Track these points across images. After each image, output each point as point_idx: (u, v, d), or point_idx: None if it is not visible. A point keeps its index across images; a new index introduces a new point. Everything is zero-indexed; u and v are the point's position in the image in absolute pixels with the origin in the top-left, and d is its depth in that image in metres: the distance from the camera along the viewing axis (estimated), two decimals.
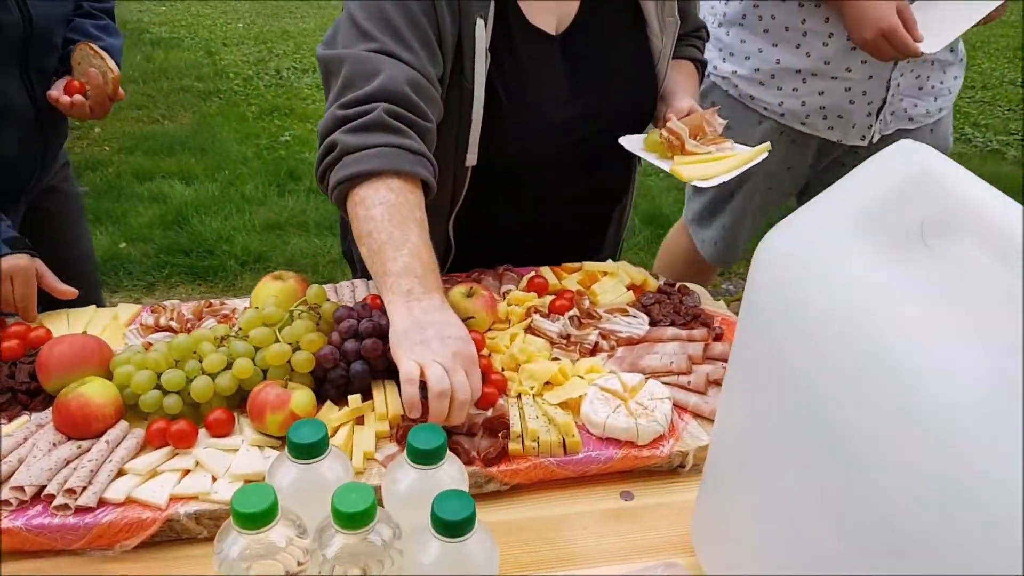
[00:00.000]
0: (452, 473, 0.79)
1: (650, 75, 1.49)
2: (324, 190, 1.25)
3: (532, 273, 1.44)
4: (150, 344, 1.22)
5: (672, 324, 1.33)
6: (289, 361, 1.13)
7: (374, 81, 1.18)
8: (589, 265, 1.45)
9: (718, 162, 1.38)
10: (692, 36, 1.64)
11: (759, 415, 0.80)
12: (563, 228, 1.55)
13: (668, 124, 1.39)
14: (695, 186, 1.36)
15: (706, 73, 1.89)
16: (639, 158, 1.51)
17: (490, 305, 1.29)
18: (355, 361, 1.15)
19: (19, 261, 1.24)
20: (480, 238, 1.49)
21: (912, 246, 0.67)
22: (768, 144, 1.41)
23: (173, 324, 1.26)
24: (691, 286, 1.46)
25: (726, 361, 1.25)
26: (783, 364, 0.74)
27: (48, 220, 1.70)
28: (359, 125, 1.17)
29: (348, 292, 1.39)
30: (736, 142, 1.44)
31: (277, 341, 1.15)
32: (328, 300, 1.24)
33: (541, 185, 1.47)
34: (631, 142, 1.42)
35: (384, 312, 1.19)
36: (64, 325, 1.29)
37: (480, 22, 1.26)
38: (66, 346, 1.11)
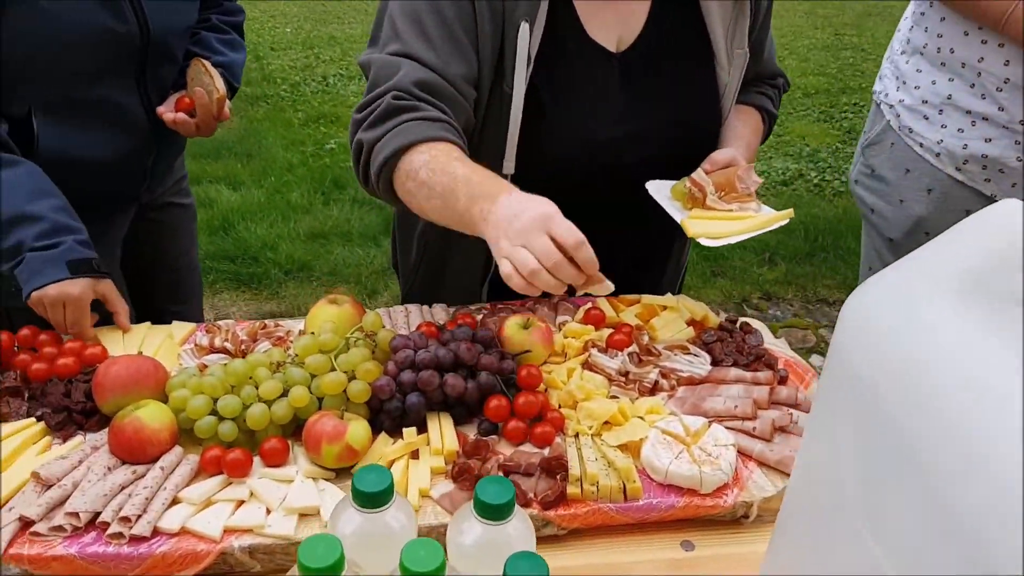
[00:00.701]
0: (520, 528, 0.76)
1: (713, 109, 1.42)
2: (374, 192, 1.27)
3: (588, 304, 1.41)
4: (205, 366, 1.21)
5: (735, 364, 1.29)
6: (345, 390, 1.11)
7: (388, 82, 1.23)
8: (648, 298, 1.42)
9: (733, 222, 1.31)
10: (766, 83, 1.57)
11: (844, 470, 0.76)
12: (613, 257, 1.49)
13: (693, 175, 1.33)
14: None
15: (876, 100, 1.81)
16: None
17: (547, 338, 1.26)
18: (411, 392, 1.13)
19: (72, 288, 1.24)
20: None
21: (1019, 313, 0.63)
22: (791, 211, 1.32)
23: (228, 346, 1.25)
24: (753, 323, 1.42)
25: (793, 407, 1.21)
26: (876, 423, 0.70)
27: (159, 230, 1.74)
28: (372, 120, 1.22)
29: (402, 318, 1.37)
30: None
31: (333, 369, 1.14)
32: (384, 327, 1.22)
33: (584, 206, 1.40)
34: (657, 188, 1.36)
35: (441, 343, 1.18)
36: (119, 342, 1.29)
37: (524, 27, 1.24)
38: (122, 367, 1.10)
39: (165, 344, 1.27)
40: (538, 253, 1.02)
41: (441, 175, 1.15)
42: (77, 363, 1.17)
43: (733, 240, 1.27)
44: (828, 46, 7.42)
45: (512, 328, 1.25)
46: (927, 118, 1.71)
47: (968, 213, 1.73)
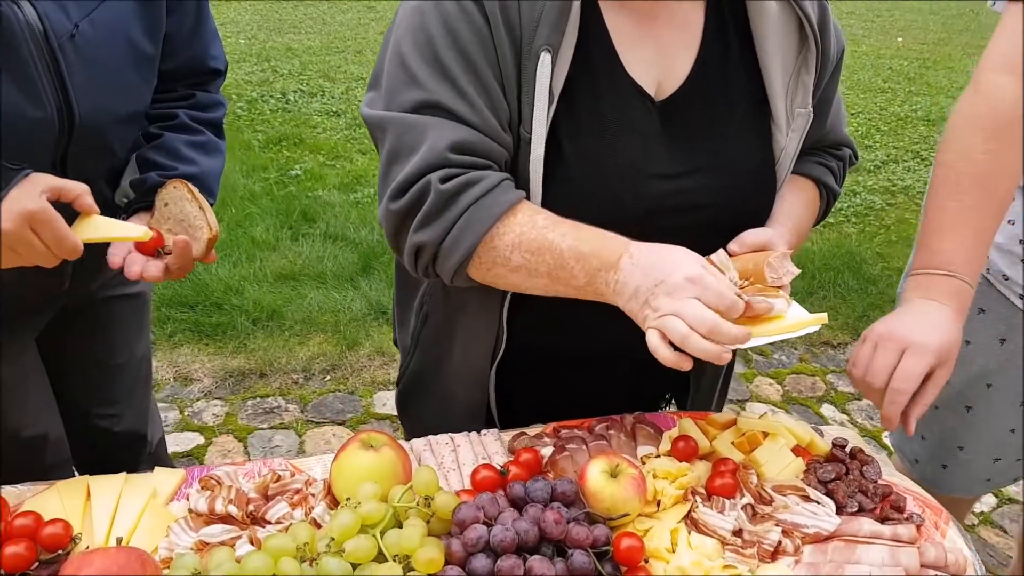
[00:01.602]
0: None
1: (767, 176, 1.17)
2: (436, 279, 1.09)
3: (675, 430, 1.16)
4: (204, 546, 0.92)
5: (860, 509, 1.05)
6: None
7: (417, 154, 1.01)
8: (745, 421, 1.17)
9: (760, 322, 1.04)
10: (829, 152, 1.31)
11: None
12: (636, 341, 1.24)
13: (712, 256, 1.07)
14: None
15: None
16: None
17: (641, 488, 1.00)
18: None
19: (28, 203, 1.02)
20: (540, 333, 1.20)
21: None
22: (824, 316, 1.07)
23: (233, 511, 0.96)
24: (856, 440, 1.19)
25: (943, 571, 0.98)
26: None
27: (90, 328, 1.41)
28: (427, 215, 1.01)
29: (448, 453, 1.10)
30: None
31: (380, 554, 0.86)
32: (441, 488, 0.95)
33: None
34: None
35: (512, 503, 0.92)
36: (80, 504, 0.98)
37: (545, 57, 1.00)
38: (97, 569, 0.81)
39: (150, 509, 0.97)
40: (690, 320, 0.93)
41: (541, 254, 1.01)
42: (31, 550, 0.88)
43: (755, 343, 1.01)
44: None
45: (599, 479, 0.98)
46: None
47: None
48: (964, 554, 1.00)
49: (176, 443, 2.52)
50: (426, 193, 1.00)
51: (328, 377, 2.86)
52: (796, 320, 1.06)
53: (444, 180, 0.99)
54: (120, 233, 1.16)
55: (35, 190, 1.03)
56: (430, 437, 1.14)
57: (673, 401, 1.46)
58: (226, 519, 0.96)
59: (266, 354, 2.90)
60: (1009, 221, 1.37)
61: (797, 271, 1.12)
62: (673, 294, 0.94)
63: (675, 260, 0.97)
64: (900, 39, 9.01)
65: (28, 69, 1.06)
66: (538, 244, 1.00)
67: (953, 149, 1.18)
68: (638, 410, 1.21)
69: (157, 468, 1.05)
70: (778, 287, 1.08)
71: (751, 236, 1.12)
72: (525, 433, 1.15)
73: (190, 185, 1.20)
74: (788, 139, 1.15)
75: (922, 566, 0.98)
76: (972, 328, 1.41)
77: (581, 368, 1.05)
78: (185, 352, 2.90)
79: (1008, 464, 1.53)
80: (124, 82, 1.21)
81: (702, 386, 1.38)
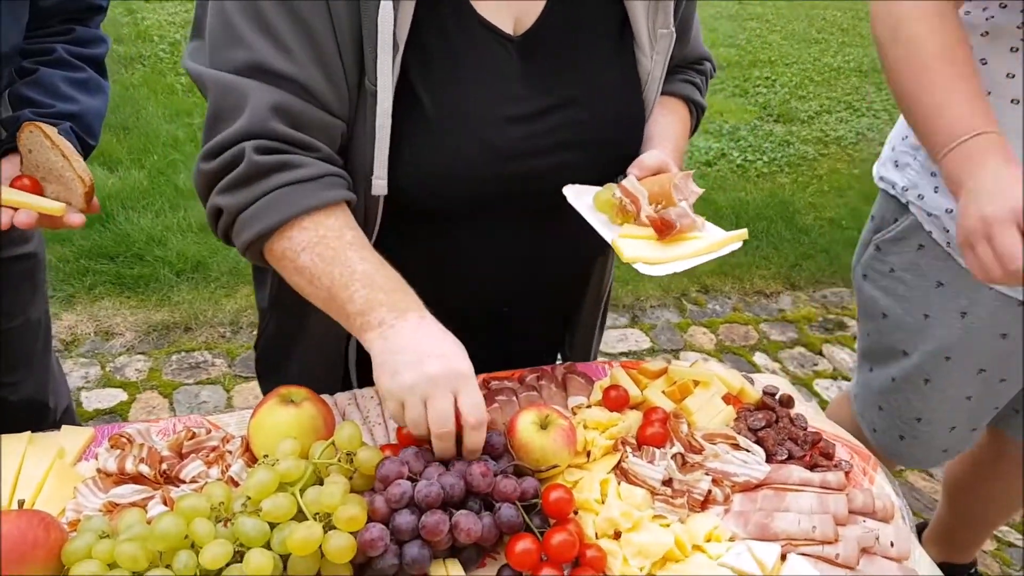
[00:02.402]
0: None
1: (635, 102, 1.15)
2: (228, 243, 1.02)
3: (606, 379, 1.15)
4: (114, 506, 0.87)
5: (790, 457, 1.06)
6: (320, 547, 0.80)
7: (237, 119, 0.94)
8: (676, 369, 1.16)
9: (677, 243, 1.05)
10: (691, 68, 1.30)
11: None
12: (519, 291, 1.22)
13: (624, 182, 1.07)
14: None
15: (895, 195, 1.45)
16: None
17: (571, 439, 0.98)
18: (411, 542, 0.84)
19: None
20: (413, 284, 1.16)
21: None
22: (744, 232, 1.07)
23: (145, 469, 0.91)
24: (776, 384, 1.19)
25: (868, 515, 1.00)
26: None
27: None
28: (233, 181, 0.96)
29: (374, 408, 1.06)
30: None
31: (300, 512, 0.83)
32: (364, 444, 0.91)
33: (481, 230, 1.12)
34: (578, 195, 1.09)
35: (448, 467, 0.89)
36: None
37: (386, 4, 0.93)
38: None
39: (56, 471, 0.91)
40: (434, 416, 0.88)
41: (332, 264, 0.95)
42: None
43: (679, 267, 1.01)
44: (733, 15, 7.33)
45: (529, 431, 0.96)
46: None
47: (1004, 336, 1.38)
48: (891, 500, 1.01)
49: (98, 400, 2.42)
50: (238, 160, 0.94)
51: (256, 331, 2.77)
52: (719, 238, 1.05)
53: (260, 151, 0.94)
54: (32, 202, 1.09)
55: None
56: (355, 390, 1.10)
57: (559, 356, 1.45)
58: (137, 479, 0.91)
59: (191, 307, 2.80)
60: None
61: (701, 191, 1.12)
62: (435, 382, 0.88)
63: (451, 350, 0.92)
64: None
65: None
66: (333, 254, 0.94)
67: (902, 40, 1.18)
68: (527, 366, 1.19)
69: (64, 427, 0.99)
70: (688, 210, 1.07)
71: (649, 159, 1.10)
72: None
73: (46, 129, 1.10)
74: (653, 62, 1.13)
75: (850, 512, 0.99)
76: (931, 302, 1.42)
77: (459, 325, 1.01)
78: (106, 305, 2.78)
79: (963, 432, 1.54)
80: None
81: (576, 341, 1.39)
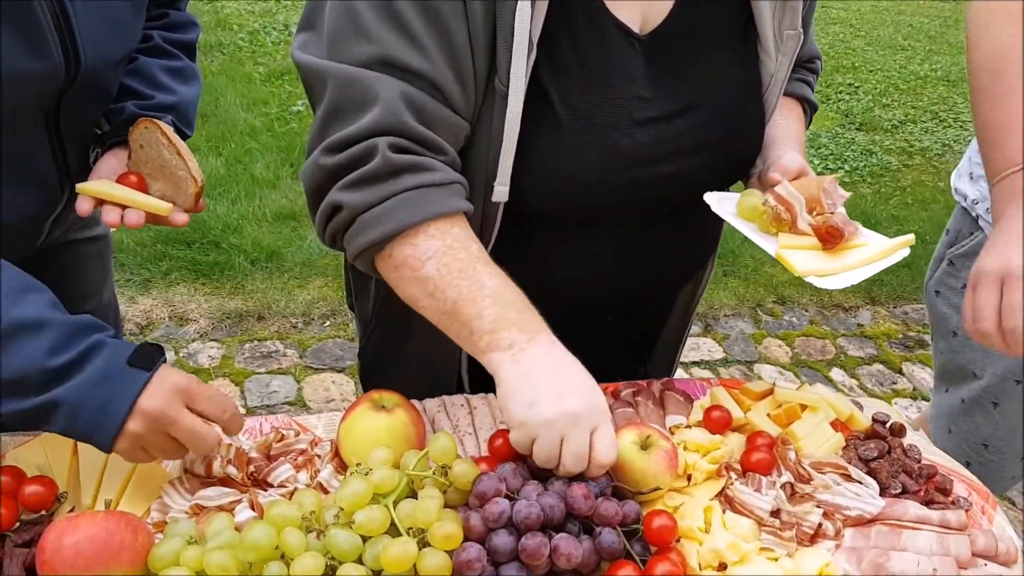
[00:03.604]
0: None
1: (757, 104, 1.09)
2: (333, 246, 0.95)
3: (706, 399, 1.09)
4: (201, 509, 0.85)
5: (904, 491, 0.98)
6: (415, 565, 0.76)
7: (367, 113, 0.88)
8: (781, 392, 1.09)
9: (843, 252, 0.99)
10: (803, 67, 1.24)
11: None
12: (631, 295, 1.17)
13: (778, 188, 1.01)
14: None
15: (977, 215, 1.36)
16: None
17: (673, 462, 0.93)
18: (508, 564, 0.79)
19: (176, 378, 0.85)
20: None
21: None
22: (912, 237, 1.00)
23: (233, 472, 0.88)
24: (903, 419, 1.11)
25: (992, 561, 0.92)
26: None
27: (56, 275, 1.25)
28: (361, 177, 0.89)
29: (464, 415, 1.02)
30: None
31: (392, 526, 0.79)
32: (459, 456, 0.87)
33: (594, 237, 1.07)
34: (721, 202, 1.03)
35: (546, 487, 0.84)
36: (66, 459, 0.91)
37: (524, 4, 0.88)
38: (83, 536, 0.74)
39: (140, 468, 0.89)
40: (571, 455, 0.83)
41: (460, 277, 0.88)
42: (13, 509, 0.80)
43: (856, 279, 0.96)
44: (816, 19, 7.11)
45: (629, 451, 0.91)
46: None
47: None
48: (1014, 543, 0.94)
49: None
50: (370, 155, 0.88)
51: (328, 323, 2.78)
52: (886, 246, 0.99)
53: (394, 149, 0.88)
54: (141, 200, 1.08)
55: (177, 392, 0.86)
56: (444, 398, 1.06)
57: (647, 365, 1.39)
58: (225, 481, 0.88)
59: (264, 296, 2.81)
60: None
61: (847, 194, 1.05)
62: (576, 419, 0.84)
63: (589, 384, 0.87)
64: None
65: (35, 19, 0.94)
66: (461, 267, 0.88)
67: (984, 46, 1.09)
68: (611, 377, 1.12)
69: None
70: (833, 213, 1.02)
71: (791, 163, 1.05)
72: None
73: (163, 126, 1.08)
74: (778, 64, 1.06)
75: (972, 555, 0.91)
76: None
77: (561, 329, 0.96)
78: (181, 291, 2.81)
79: None
80: (123, 22, 1.08)
81: (658, 352, 1.34)
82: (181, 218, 1.10)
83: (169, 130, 1.08)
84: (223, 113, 4.04)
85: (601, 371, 1.14)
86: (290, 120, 4.07)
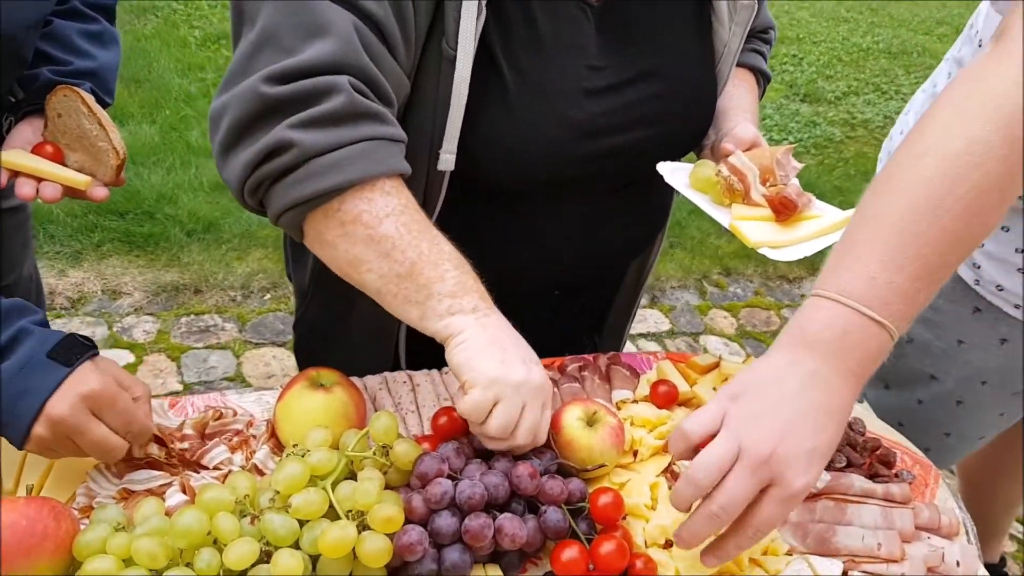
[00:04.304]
0: None
1: (709, 74, 1.08)
2: (258, 206, 0.85)
3: (652, 373, 1.08)
4: (128, 495, 0.81)
5: (850, 464, 0.99)
6: (354, 549, 0.74)
7: (319, 39, 0.79)
8: (729, 364, 1.08)
9: (796, 224, 0.99)
10: (756, 37, 1.23)
11: None
12: (580, 270, 1.15)
13: (731, 159, 1.00)
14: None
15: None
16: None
17: (619, 438, 0.91)
18: (450, 546, 0.77)
19: (90, 383, 0.79)
20: None
21: None
22: None
23: (154, 451, 0.84)
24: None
25: (935, 533, 0.93)
26: None
27: None
28: (319, 117, 0.78)
29: (406, 392, 0.99)
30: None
31: (331, 509, 0.76)
32: (400, 435, 0.84)
33: (544, 210, 1.05)
34: (674, 172, 1.01)
35: (490, 466, 0.82)
36: None
37: None
38: (3, 524, 0.69)
39: None
40: (527, 425, 0.81)
41: (420, 237, 0.82)
42: None
43: (809, 251, 0.95)
44: None
45: (575, 427, 0.89)
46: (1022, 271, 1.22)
47: None
48: (956, 515, 0.95)
49: None
50: (330, 93, 0.78)
51: (268, 296, 2.71)
52: (838, 218, 0.99)
53: (357, 91, 0.80)
54: (58, 173, 1.02)
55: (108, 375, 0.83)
56: (386, 374, 1.02)
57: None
58: (154, 464, 0.84)
59: (201, 268, 2.72)
60: (1003, 228, 1.22)
61: (800, 165, 1.05)
62: (535, 392, 0.82)
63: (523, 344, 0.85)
64: None
65: None
66: (421, 228, 0.83)
67: (961, 136, 0.75)
68: (561, 352, 1.11)
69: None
70: (786, 184, 1.02)
71: (744, 132, 1.04)
72: None
73: (84, 94, 1.02)
74: (731, 34, 1.05)
75: (915, 527, 0.92)
76: (967, 328, 1.33)
77: (501, 308, 0.93)
78: (114, 263, 2.70)
79: (989, 439, 1.49)
80: None
81: (609, 325, 1.33)
82: (101, 192, 1.05)
83: (90, 99, 1.03)
84: (157, 79, 3.88)
85: (550, 346, 1.13)
86: None
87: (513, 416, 0.80)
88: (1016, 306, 1.26)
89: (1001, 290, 1.26)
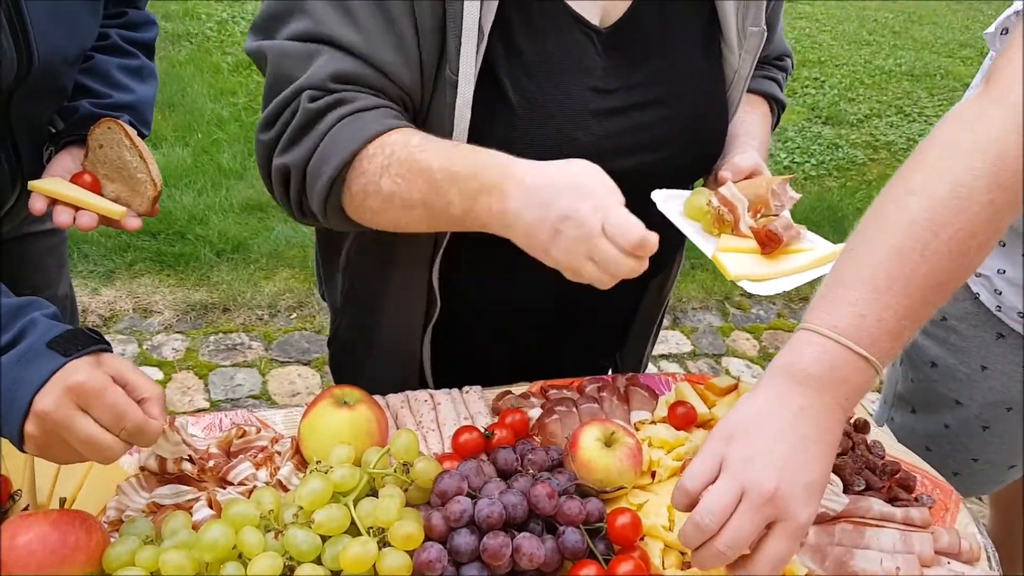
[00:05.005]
0: None
1: (719, 101, 1.09)
2: (313, 219, 0.94)
3: (671, 394, 1.09)
4: (157, 507, 0.83)
5: (868, 487, 0.99)
6: (374, 565, 0.76)
7: (294, 83, 0.88)
8: (748, 386, 1.09)
9: (782, 256, 0.97)
10: (772, 65, 1.23)
11: None
12: (583, 296, 1.14)
13: (722, 190, 0.99)
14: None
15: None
16: None
17: (637, 459, 0.92)
18: (469, 565, 0.79)
19: (77, 375, 0.74)
20: (475, 293, 1.10)
21: None
22: None
23: (187, 467, 0.86)
24: (867, 415, 1.12)
25: (955, 559, 0.93)
26: None
27: (9, 269, 1.22)
28: (290, 136, 0.89)
29: (427, 411, 1.01)
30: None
31: (352, 525, 0.78)
32: (421, 452, 0.86)
33: None
34: (667, 200, 1.01)
35: (509, 485, 0.84)
36: (21, 456, 0.88)
37: (471, 3, 0.87)
38: (35, 535, 0.72)
39: (96, 466, 0.87)
40: (605, 267, 0.79)
41: (413, 177, 0.85)
42: None
43: (788, 286, 0.94)
44: (783, 14, 7.17)
45: (593, 448, 0.90)
46: None
47: None
48: (978, 540, 0.95)
49: None
50: (292, 113, 0.88)
51: (294, 315, 2.75)
52: (826, 251, 0.98)
53: (311, 99, 0.87)
54: (95, 203, 1.05)
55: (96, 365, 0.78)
56: (408, 393, 1.05)
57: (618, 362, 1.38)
58: (182, 478, 0.87)
59: (230, 288, 2.77)
60: (1002, 244, 1.23)
61: (798, 196, 1.05)
62: (581, 239, 0.78)
63: (576, 192, 0.79)
64: None
65: None
66: (409, 166, 0.85)
67: (947, 179, 0.76)
68: (580, 372, 1.12)
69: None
70: (785, 218, 1.01)
71: (743, 162, 1.04)
72: (510, 392, 1.07)
73: (127, 127, 1.06)
74: (741, 60, 1.06)
75: (935, 552, 0.92)
76: (990, 354, 1.32)
77: (520, 328, 0.93)
78: (145, 282, 2.76)
79: (1021, 467, 1.46)
80: (78, 19, 1.07)
81: (628, 349, 1.32)
82: (135, 222, 1.08)
83: (132, 132, 1.07)
84: (190, 103, 3.97)
85: (568, 368, 1.14)
86: (258, 110, 3.99)
87: (593, 274, 0.80)
88: None
89: (1023, 316, 1.25)
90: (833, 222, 3.76)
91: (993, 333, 1.31)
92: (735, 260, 0.95)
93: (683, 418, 1.03)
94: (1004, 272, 1.25)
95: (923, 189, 0.77)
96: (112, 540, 0.76)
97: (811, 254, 0.98)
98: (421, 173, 0.85)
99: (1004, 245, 1.25)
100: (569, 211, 0.77)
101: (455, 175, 0.84)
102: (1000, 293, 1.26)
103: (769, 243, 0.96)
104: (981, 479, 1.48)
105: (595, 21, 0.97)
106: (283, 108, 0.88)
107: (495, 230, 0.84)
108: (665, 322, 3.10)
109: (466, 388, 1.07)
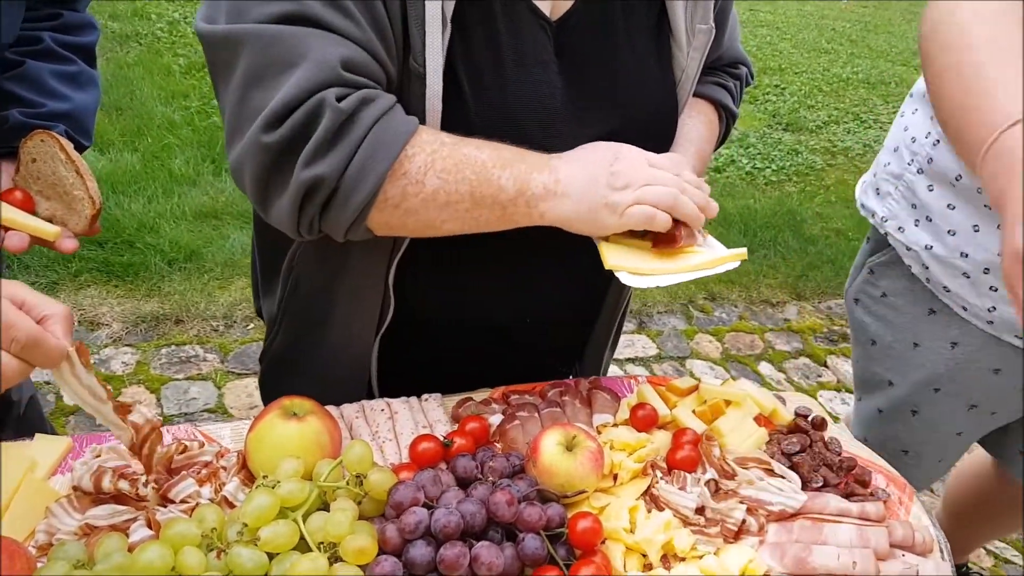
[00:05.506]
0: None
1: (668, 100, 1.07)
2: (310, 230, 0.87)
3: (633, 396, 1.07)
4: (91, 531, 0.78)
5: (825, 484, 0.98)
6: None
7: (295, 72, 0.79)
8: (707, 388, 1.07)
9: (674, 255, 0.96)
10: (724, 71, 1.21)
11: None
12: (543, 301, 1.13)
13: None
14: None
15: (877, 226, 1.36)
16: None
17: (598, 462, 0.90)
18: None
19: None
20: (432, 295, 1.07)
21: None
22: (744, 252, 0.98)
23: (124, 486, 0.82)
24: (824, 413, 1.11)
25: (909, 551, 0.92)
26: None
27: None
28: (321, 143, 0.81)
29: (384, 420, 0.98)
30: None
31: (302, 541, 0.74)
32: (375, 464, 0.83)
33: (511, 237, 1.01)
34: None
35: (468, 494, 0.81)
36: None
37: None
38: None
39: (25, 488, 0.82)
40: (664, 182, 0.92)
41: (460, 169, 0.87)
42: None
43: (664, 281, 0.93)
44: (744, 21, 7.26)
45: (554, 453, 0.88)
46: (968, 276, 1.24)
47: (998, 372, 1.27)
48: (931, 532, 0.94)
49: None
50: (318, 115, 0.79)
51: (251, 325, 2.68)
52: (716, 255, 0.97)
53: (339, 97, 0.80)
54: (26, 222, 0.97)
55: None
56: (364, 402, 1.01)
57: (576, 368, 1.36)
58: (119, 498, 0.82)
59: (183, 298, 2.69)
60: (949, 231, 1.24)
61: (714, 206, 1.03)
62: (636, 169, 0.90)
63: (606, 147, 0.93)
64: (844, 2, 9.03)
65: None
66: (454, 160, 0.86)
67: (948, 24, 0.98)
68: (539, 379, 1.10)
69: (37, 435, 0.90)
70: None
71: (659, 162, 1.00)
72: (471, 399, 1.04)
73: (62, 140, 0.98)
74: (689, 59, 1.05)
75: (890, 545, 0.92)
76: (921, 330, 1.34)
77: (475, 336, 0.90)
78: (92, 293, 2.67)
79: (949, 464, 1.50)
80: None
81: (588, 353, 1.30)
82: (70, 244, 1.00)
83: (69, 145, 0.99)
84: (139, 106, 3.88)
85: (528, 375, 1.12)
86: (212, 114, 3.93)
87: (657, 192, 0.90)
88: (964, 308, 1.27)
89: (948, 291, 1.27)
90: (792, 226, 3.80)
91: (925, 308, 1.33)
92: (617, 250, 0.94)
93: (644, 420, 1.01)
94: (931, 248, 1.27)
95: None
96: (39, 566, 0.72)
97: (700, 256, 0.96)
98: (470, 164, 0.86)
99: (930, 221, 1.27)
100: (615, 149, 0.91)
101: (505, 160, 0.87)
102: (927, 268, 1.28)
103: (662, 240, 0.94)
104: (911, 475, 1.48)
105: (546, 10, 0.95)
106: (296, 104, 0.79)
107: (545, 210, 0.89)
108: (631, 326, 3.10)
109: (425, 396, 1.04)
